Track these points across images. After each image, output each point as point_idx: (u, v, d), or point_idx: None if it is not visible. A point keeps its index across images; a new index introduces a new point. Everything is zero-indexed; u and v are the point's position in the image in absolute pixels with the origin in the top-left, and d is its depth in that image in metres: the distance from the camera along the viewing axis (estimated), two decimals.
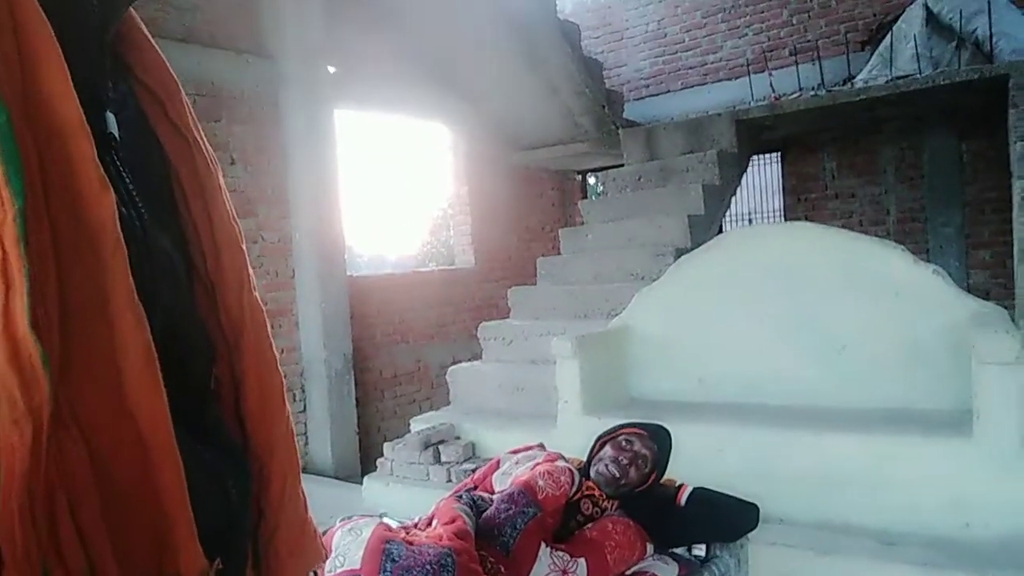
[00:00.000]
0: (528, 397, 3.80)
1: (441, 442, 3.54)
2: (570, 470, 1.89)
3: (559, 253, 5.26)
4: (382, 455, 3.68)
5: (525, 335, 4.21)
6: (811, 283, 3.05)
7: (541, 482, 1.77)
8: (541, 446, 2.19)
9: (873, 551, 2.35)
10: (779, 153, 6.84)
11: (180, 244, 0.55)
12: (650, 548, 1.79)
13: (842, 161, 6.49)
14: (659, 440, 1.97)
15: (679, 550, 1.86)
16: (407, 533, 1.50)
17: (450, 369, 4.24)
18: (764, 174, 6.96)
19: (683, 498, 1.92)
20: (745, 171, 5.59)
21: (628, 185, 5.39)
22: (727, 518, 1.87)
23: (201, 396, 0.54)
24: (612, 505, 1.85)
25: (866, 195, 6.39)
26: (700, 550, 1.89)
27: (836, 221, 6.49)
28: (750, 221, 7.04)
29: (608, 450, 1.95)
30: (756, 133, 5.67)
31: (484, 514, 1.68)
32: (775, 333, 3.14)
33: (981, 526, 2.34)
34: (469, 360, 6.41)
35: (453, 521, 1.53)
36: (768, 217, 7.16)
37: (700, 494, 1.92)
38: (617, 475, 1.87)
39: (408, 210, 14.09)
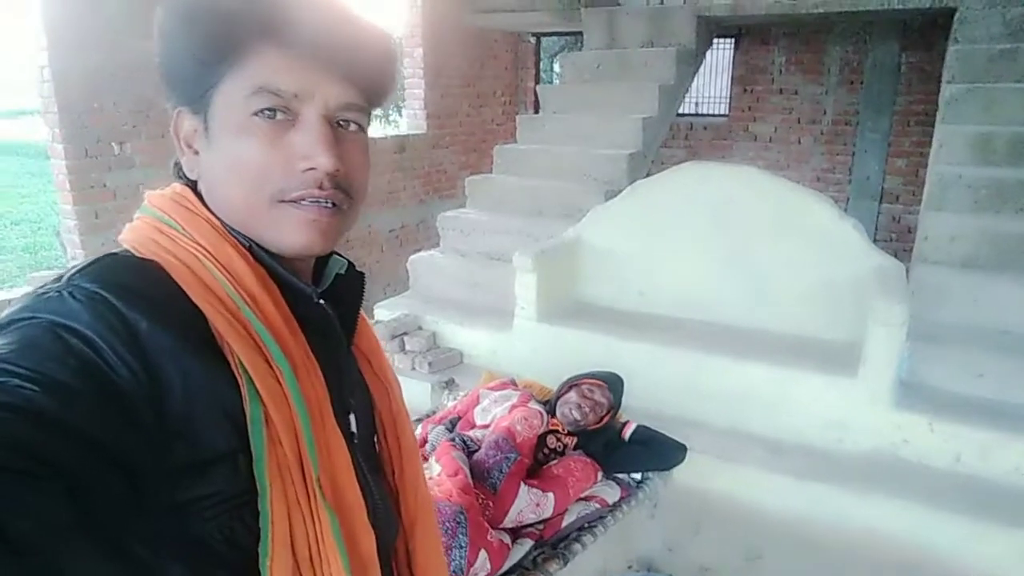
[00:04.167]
0: (485, 293, 4.17)
1: (405, 333, 3.91)
2: (540, 412, 2.30)
3: (514, 136, 5.40)
4: None
5: (483, 229, 4.48)
6: (748, 221, 3.43)
7: (519, 427, 2.18)
8: (513, 383, 2.58)
9: (763, 460, 2.95)
10: (733, 40, 6.93)
11: (379, 467, 0.83)
12: (600, 475, 2.27)
13: (790, 57, 6.67)
14: (614, 389, 2.40)
15: (621, 475, 2.35)
16: None
17: (411, 258, 4.51)
18: (715, 58, 7.08)
19: (627, 434, 2.40)
20: (700, 67, 5.72)
21: (587, 72, 5.46)
22: (661, 454, 2.36)
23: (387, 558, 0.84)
24: (572, 441, 2.30)
25: (808, 93, 6.67)
26: (637, 474, 2.39)
27: (776, 116, 6.82)
28: (696, 106, 7.25)
29: (573, 395, 2.37)
30: (714, 27, 5.74)
31: (475, 456, 2.09)
32: (711, 260, 3.56)
33: (851, 443, 2.96)
34: (417, 226, 6.67)
35: (456, 474, 1.94)
36: (714, 103, 7.38)
37: (642, 432, 2.39)
38: (579, 419, 2.31)
39: None
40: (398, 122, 13.17)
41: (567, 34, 7.69)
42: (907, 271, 3.35)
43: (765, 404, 3.11)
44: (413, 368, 3.77)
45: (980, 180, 3.69)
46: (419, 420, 2.62)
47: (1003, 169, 3.74)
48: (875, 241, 6.52)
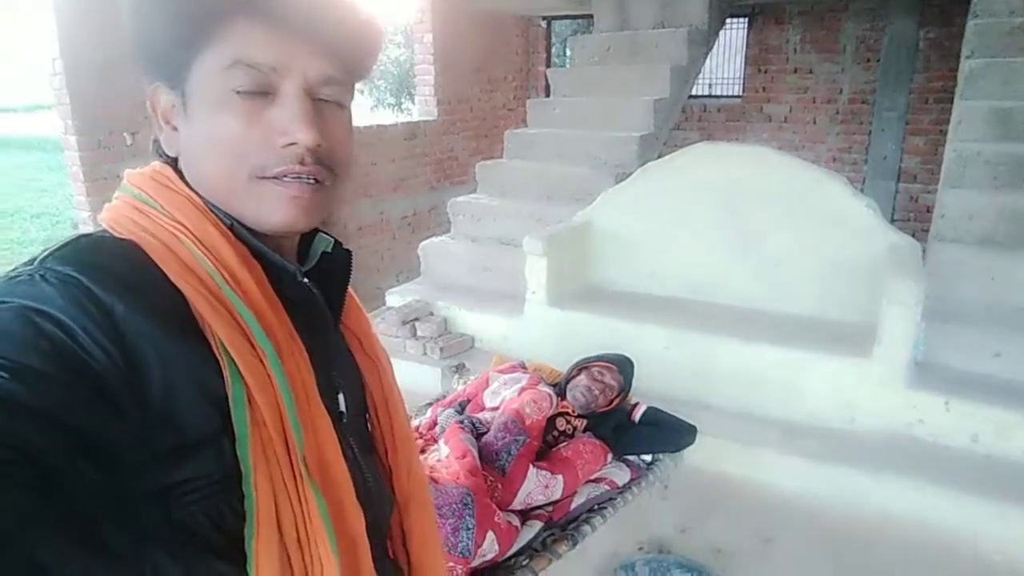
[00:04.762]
0: (496, 277, 4.16)
1: (417, 319, 3.91)
2: (549, 395, 2.29)
3: (525, 120, 5.37)
4: None
5: (494, 215, 4.47)
6: (761, 202, 3.39)
7: (528, 409, 2.17)
8: (523, 366, 2.58)
9: (776, 442, 2.93)
10: (746, 19, 6.83)
11: (371, 447, 0.82)
12: (610, 457, 2.26)
13: (805, 35, 6.56)
14: (624, 372, 2.39)
15: (631, 457, 2.34)
16: (430, 470, 1.90)
17: (422, 244, 4.51)
18: (728, 38, 6.98)
19: (637, 415, 2.38)
20: (712, 47, 5.64)
21: (597, 55, 5.40)
22: (671, 436, 2.34)
23: (382, 538, 0.83)
24: (581, 424, 2.29)
25: (823, 72, 6.57)
26: (647, 456, 2.38)
27: (791, 95, 6.72)
28: (710, 87, 7.17)
29: (583, 378, 2.36)
30: (727, 6, 5.66)
31: (484, 438, 2.09)
32: (724, 242, 3.52)
33: (865, 424, 2.93)
34: (428, 212, 6.66)
35: (464, 456, 1.94)
36: (728, 84, 7.28)
37: (651, 414, 2.38)
38: (588, 401, 2.30)
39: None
40: (409, 109, 13.19)
41: (578, 17, 7.61)
42: (924, 250, 3.30)
43: (778, 386, 3.08)
44: (425, 354, 3.78)
45: (1000, 156, 3.62)
46: (429, 404, 2.63)
47: (1023, 145, 3.66)
48: (893, 221, 6.44)
